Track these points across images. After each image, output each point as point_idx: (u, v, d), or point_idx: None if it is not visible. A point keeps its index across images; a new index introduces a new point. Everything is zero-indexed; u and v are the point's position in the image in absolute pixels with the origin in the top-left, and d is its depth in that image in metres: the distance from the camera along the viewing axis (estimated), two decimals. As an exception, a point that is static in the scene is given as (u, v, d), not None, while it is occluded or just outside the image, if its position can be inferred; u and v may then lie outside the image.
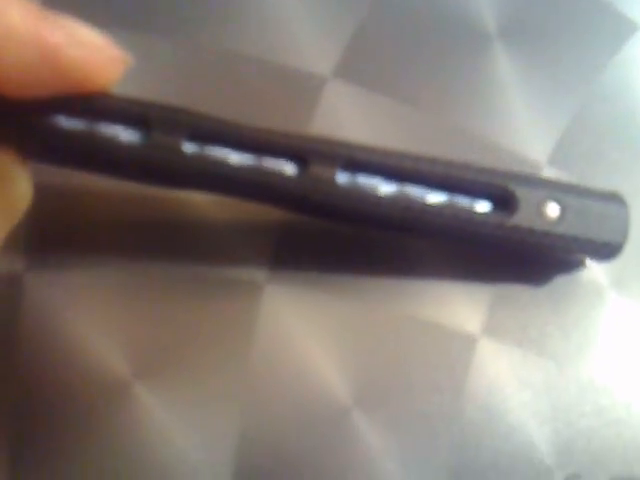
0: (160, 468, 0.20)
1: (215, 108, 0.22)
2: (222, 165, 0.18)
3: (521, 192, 0.19)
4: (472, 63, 0.24)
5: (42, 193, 0.19)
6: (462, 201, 0.19)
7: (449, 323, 0.21)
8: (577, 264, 0.22)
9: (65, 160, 0.18)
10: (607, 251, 0.20)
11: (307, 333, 0.21)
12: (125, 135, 0.17)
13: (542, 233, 0.19)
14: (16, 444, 0.20)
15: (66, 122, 0.17)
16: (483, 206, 0.19)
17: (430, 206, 0.19)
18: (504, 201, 0.19)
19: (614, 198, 0.20)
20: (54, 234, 0.21)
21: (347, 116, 0.23)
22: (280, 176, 0.18)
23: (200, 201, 0.21)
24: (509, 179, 0.19)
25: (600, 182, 0.23)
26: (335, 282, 0.21)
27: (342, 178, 0.18)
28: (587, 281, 0.22)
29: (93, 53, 0.15)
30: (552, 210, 0.19)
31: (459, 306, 0.21)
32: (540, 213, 0.19)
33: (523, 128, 0.23)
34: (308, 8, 0.23)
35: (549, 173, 0.23)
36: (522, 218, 0.19)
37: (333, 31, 0.23)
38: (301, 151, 0.18)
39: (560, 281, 0.22)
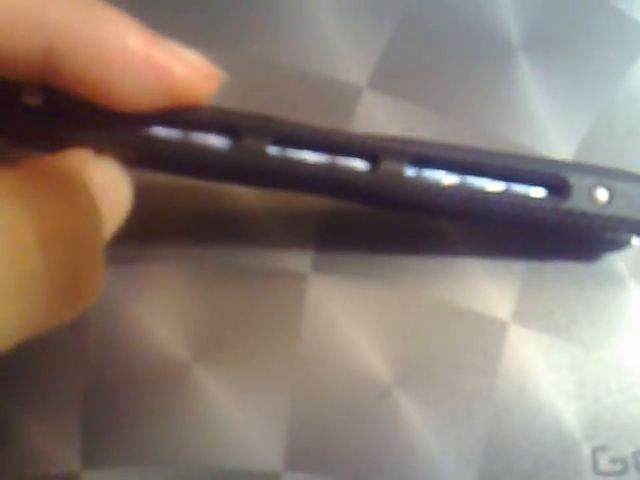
0: (216, 442, 0.21)
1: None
2: (303, 165, 0.19)
3: (573, 179, 0.21)
4: (498, 72, 0.25)
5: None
6: (519, 189, 0.21)
7: (482, 310, 0.23)
8: (624, 243, 0.23)
9: (163, 166, 0.20)
10: None
11: (350, 318, 0.22)
12: (217, 142, 0.19)
13: (593, 216, 0.21)
14: (88, 420, 0.21)
15: (165, 132, 0.19)
16: (538, 192, 0.21)
17: (490, 194, 0.20)
18: (558, 187, 0.21)
19: None
20: (119, 234, 0.23)
21: (381, 124, 0.25)
22: (354, 173, 0.20)
23: (248, 199, 0.23)
24: (562, 167, 0.21)
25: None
26: (376, 270, 0.23)
27: (410, 172, 0.20)
28: (609, 272, 0.23)
29: (195, 71, 0.17)
30: (602, 194, 0.21)
31: (490, 294, 0.23)
32: (591, 197, 0.20)
33: (546, 134, 0.25)
34: (344, 22, 0.25)
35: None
36: (575, 202, 0.20)
37: (367, 43, 0.25)
38: (372, 149, 0.20)
39: (585, 271, 0.23)
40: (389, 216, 0.23)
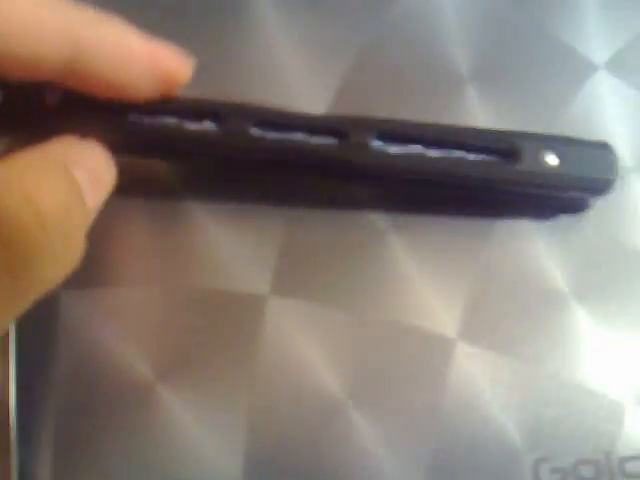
0: (179, 458, 0.22)
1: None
2: (283, 142, 0.22)
3: (523, 145, 0.23)
4: (449, 103, 0.27)
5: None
6: (478, 156, 0.23)
7: (429, 328, 0.24)
8: (582, 206, 0.26)
9: (164, 152, 0.23)
10: (602, 187, 0.24)
11: (306, 338, 0.24)
12: (206, 127, 0.22)
13: (544, 177, 0.23)
14: (58, 439, 0.22)
15: (164, 120, 0.22)
16: (494, 159, 0.23)
17: (452, 162, 0.23)
18: (511, 154, 0.23)
19: (603, 145, 0.24)
20: (86, 260, 0.24)
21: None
22: (327, 147, 0.22)
23: (210, 224, 0.24)
24: (514, 136, 0.24)
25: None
26: (331, 293, 0.24)
27: (376, 144, 0.22)
28: (550, 291, 0.25)
29: (178, 58, 0.21)
30: (551, 158, 0.23)
31: (437, 313, 0.24)
32: (541, 161, 0.23)
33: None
34: (302, 56, 0.27)
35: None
36: (526, 166, 0.23)
37: (324, 78, 0.26)
38: (342, 126, 0.22)
39: (529, 291, 0.25)
40: (342, 242, 0.25)
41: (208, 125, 0.22)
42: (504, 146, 0.23)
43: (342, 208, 0.25)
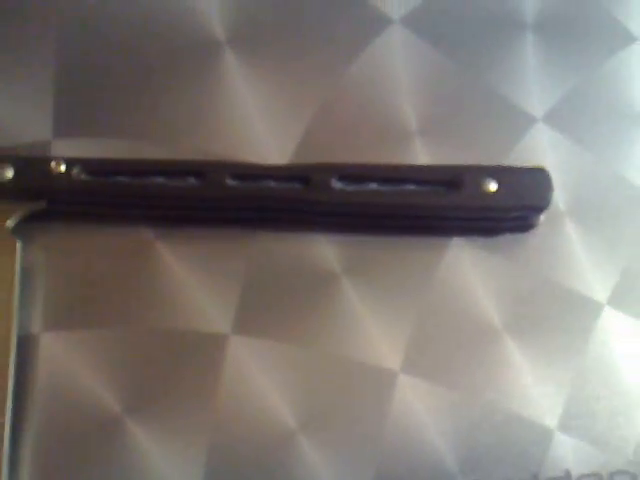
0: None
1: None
2: (259, 190, 0.26)
3: (465, 175, 0.27)
4: (398, 157, 0.29)
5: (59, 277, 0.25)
6: (426, 188, 0.27)
7: (375, 363, 0.26)
8: (530, 225, 0.28)
9: (153, 205, 0.27)
10: (539, 206, 0.27)
11: (264, 374, 0.26)
12: (189, 182, 0.26)
13: (485, 201, 0.26)
14: (36, 466, 0.25)
15: (154, 180, 0.26)
16: (440, 189, 0.27)
17: (404, 194, 0.26)
18: (454, 183, 0.26)
19: (538, 169, 0.27)
20: (63, 305, 0.26)
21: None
22: (295, 190, 0.26)
23: (175, 270, 0.27)
24: (456, 168, 0.27)
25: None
26: (287, 332, 0.26)
27: (337, 185, 0.26)
28: (486, 326, 0.27)
29: None
30: (491, 185, 0.26)
31: (383, 349, 0.27)
32: (482, 188, 0.26)
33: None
34: (265, 108, 0.29)
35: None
36: (469, 193, 0.26)
37: (286, 133, 0.29)
38: (305, 171, 0.26)
39: (464, 327, 0.27)
40: (299, 284, 0.27)
41: (191, 181, 0.26)
42: (448, 177, 0.27)
43: (299, 253, 0.27)
